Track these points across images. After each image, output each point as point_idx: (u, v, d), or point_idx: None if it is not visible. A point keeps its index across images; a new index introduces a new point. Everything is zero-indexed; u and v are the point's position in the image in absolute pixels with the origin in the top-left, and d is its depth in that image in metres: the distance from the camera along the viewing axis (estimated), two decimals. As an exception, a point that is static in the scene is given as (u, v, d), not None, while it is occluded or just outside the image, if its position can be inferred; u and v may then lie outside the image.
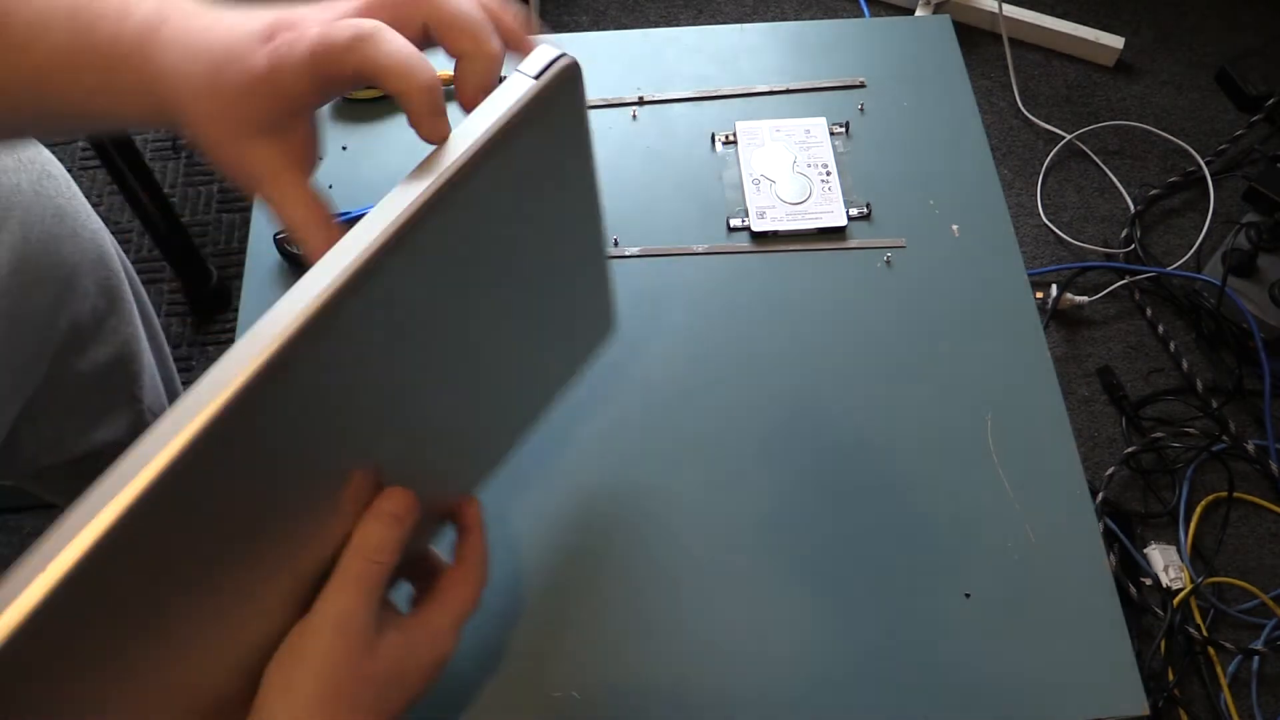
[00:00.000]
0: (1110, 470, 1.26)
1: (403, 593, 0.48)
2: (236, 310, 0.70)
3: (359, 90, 0.81)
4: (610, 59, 0.78)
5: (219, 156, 0.40)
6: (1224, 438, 1.28)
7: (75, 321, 0.78)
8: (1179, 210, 1.49)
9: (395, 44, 0.37)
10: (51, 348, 0.76)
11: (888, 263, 0.69)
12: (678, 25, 1.62)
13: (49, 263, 0.74)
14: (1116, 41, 1.60)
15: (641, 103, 0.76)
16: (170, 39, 0.40)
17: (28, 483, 0.88)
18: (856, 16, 1.67)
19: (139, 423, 0.89)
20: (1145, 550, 1.21)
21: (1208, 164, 1.48)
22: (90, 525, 0.30)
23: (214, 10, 0.40)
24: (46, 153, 0.74)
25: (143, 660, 0.36)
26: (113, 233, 0.83)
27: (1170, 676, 1.14)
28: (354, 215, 0.66)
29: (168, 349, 0.94)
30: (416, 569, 0.49)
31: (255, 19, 0.39)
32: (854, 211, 0.71)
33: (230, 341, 0.40)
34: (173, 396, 0.95)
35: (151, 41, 0.40)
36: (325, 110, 0.74)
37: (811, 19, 1.64)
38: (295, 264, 0.68)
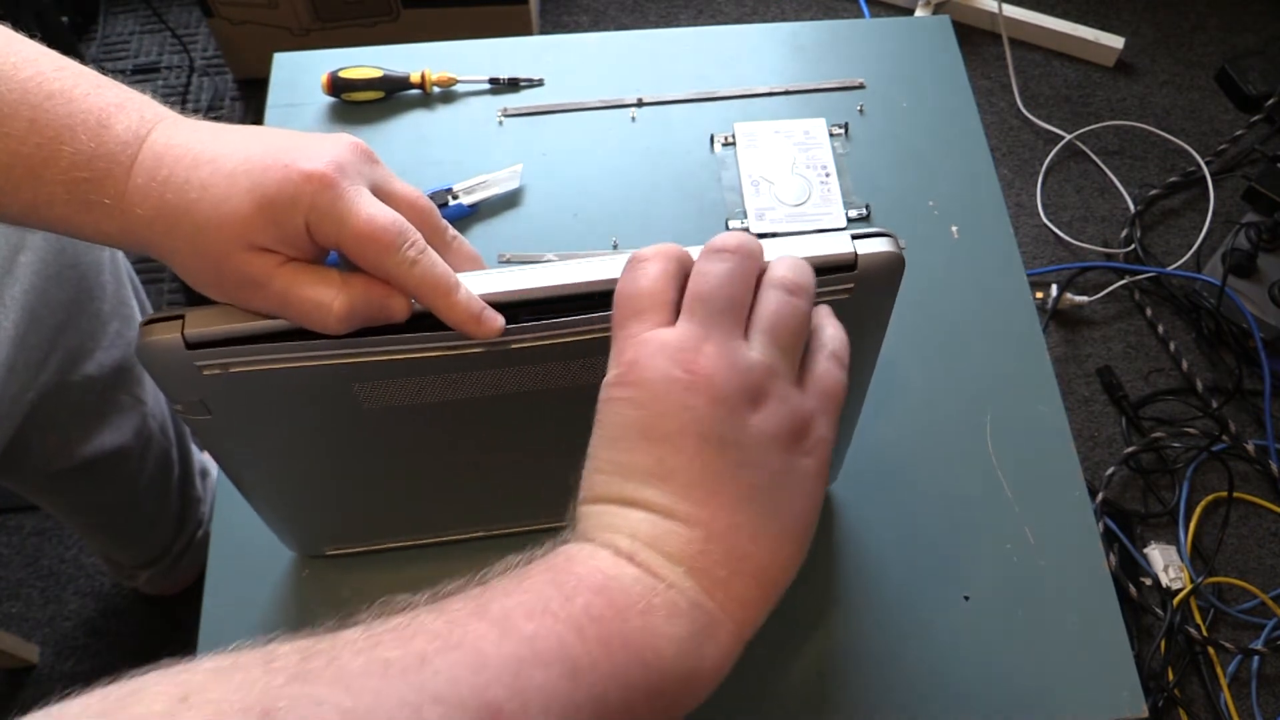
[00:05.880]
0: (1110, 470, 1.26)
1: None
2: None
3: (360, 92, 0.80)
4: (610, 59, 0.78)
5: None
6: (1224, 438, 1.28)
7: (89, 324, 0.79)
8: (1179, 210, 1.49)
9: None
10: (63, 351, 0.76)
11: (887, 263, 0.69)
12: (678, 25, 1.62)
13: (69, 261, 0.75)
14: (1116, 41, 1.60)
15: (641, 104, 0.76)
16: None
17: (37, 493, 0.88)
18: (856, 17, 1.67)
19: (143, 426, 0.89)
20: (1145, 550, 1.21)
21: (1208, 164, 1.48)
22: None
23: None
24: None
25: None
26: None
27: (1170, 676, 1.14)
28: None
29: None
30: None
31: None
32: (853, 213, 0.71)
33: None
34: None
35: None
36: (325, 111, 0.74)
37: (811, 19, 1.64)
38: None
